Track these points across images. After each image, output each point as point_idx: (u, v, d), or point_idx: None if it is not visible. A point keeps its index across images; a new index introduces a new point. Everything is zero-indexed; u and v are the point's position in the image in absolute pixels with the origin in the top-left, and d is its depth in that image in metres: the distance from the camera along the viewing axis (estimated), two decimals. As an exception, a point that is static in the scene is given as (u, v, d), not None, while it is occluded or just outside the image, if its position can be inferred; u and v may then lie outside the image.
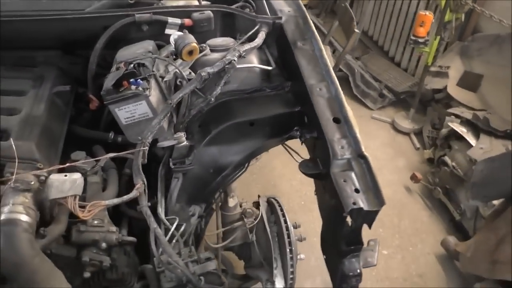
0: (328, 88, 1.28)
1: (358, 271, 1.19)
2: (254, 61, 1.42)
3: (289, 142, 1.50)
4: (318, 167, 1.21)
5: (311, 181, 1.36)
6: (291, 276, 1.46)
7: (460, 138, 2.83)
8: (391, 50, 4.27)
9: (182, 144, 1.34)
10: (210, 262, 1.22)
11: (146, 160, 1.21)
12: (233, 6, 1.57)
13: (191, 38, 1.33)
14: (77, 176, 1.13)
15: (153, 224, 1.14)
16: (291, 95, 1.43)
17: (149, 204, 1.17)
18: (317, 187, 1.34)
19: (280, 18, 1.51)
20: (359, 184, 1.08)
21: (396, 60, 4.20)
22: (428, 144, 3.43)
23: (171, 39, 1.39)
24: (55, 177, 1.11)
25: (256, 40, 1.42)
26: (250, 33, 1.45)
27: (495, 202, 2.31)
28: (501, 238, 2.06)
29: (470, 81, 3.23)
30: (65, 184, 1.10)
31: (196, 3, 1.61)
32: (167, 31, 1.43)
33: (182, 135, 1.33)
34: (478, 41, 3.31)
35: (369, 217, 1.07)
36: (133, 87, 1.25)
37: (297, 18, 1.54)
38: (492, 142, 2.65)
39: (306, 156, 1.38)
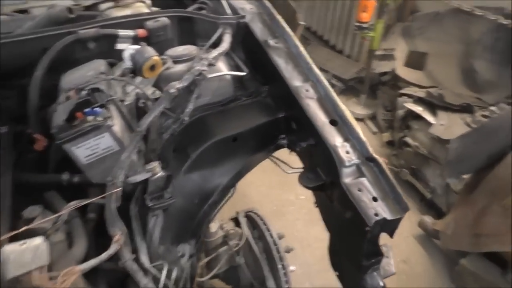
0: (315, 87, 1.15)
1: (382, 284, 1.08)
2: (223, 69, 1.25)
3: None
4: (321, 178, 1.08)
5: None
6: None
7: (417, 117, 2.85)
8: (331, 39, 4.27)
9: (157, 175, 1.15)
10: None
11: (119, 203, 1.01)
12: (189, 9, 1.39)
13: (150, 51, 1.14)
14: (39, 241, 0.90)
15: (143, 280, 0.95)
16: (270, 100, 1.28)
17: (133, 256, 0.97)
18: (319, 198, 1.20)
19: (244, 17, 1.35)
20: (375, 191, 0.96)
21: (338, 48, 4.21)
22: (384, 127, 3.44)
23: (125, 55, 1.18)
24: (9, 249, 0.87)
25: (223, 44, 1.25)
26: (214, 37, 1.28)
27: (465, 176, 2.33)
28: (480, 210, 2.07)
29: (416, 60, 3.27)
30: (25, 255, 0.87)
31: (145, 10, 1.40)
32: (119, 46, 1.22)
33: (156, 165, 1.13)
34: (418, 21, 3.37)
35: (391, 226, 0.96)
36: (89, 118, 1.05)
37: (262, 15, 1.39)
38: (450, 117, 2.68)
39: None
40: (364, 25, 3.13)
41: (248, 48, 1.36)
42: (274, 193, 2.82)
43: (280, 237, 1.70)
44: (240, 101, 1.26)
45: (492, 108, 2.65)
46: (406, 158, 2.96)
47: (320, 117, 1.08)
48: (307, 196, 2.61)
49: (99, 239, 1.09)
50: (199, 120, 1.19)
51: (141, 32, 1.24)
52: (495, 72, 2.99)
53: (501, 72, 2.95)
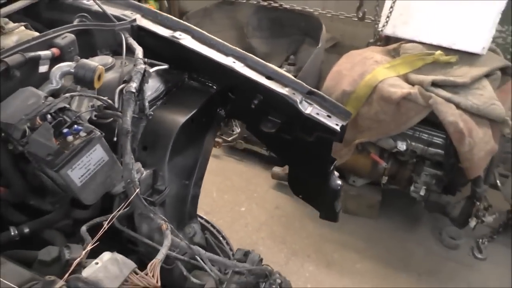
0: (238, 58, 1.38)
1: (340, 182, 1.44)
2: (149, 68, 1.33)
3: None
4: (277, 121, 1.33)
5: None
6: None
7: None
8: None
9: (144, 174, 1.17)
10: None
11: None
12: (75, 22, 1.36)
13: (91, 62, 1.13)
14: (108, 255, 0.86)
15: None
16: (194, 83, 1.43)
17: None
18: (276, 143, 1.43)
19: (135, 20, 1.43)
20: (326, 111, 1.30)
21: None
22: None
23: (55, 75, 1.12)
24: (91, 271, 0.81)
25: (135, 46, 1.33)
26: (124, 46, 1.32)
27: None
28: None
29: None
30: (110, 269, 0.83)
31: (30, 34, 1.28)
32: (41, 68, 1.14)
33: (139, 165, 1.16)
34: (192, 19, 3.80)
35: (342, 132, 1.31)
36: (69, 138, 1.00)
37: (146, 16, 1.49)
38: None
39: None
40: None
41: (150, 47, 1.44)
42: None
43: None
44: (173, 91, 1.37)
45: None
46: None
47: (259, 77, 1.33)
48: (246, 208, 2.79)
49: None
50: (155, 114, 1.25)
51: (55, 51, 1.18)
52: (268, 45, 3.73)
53: (272, 44, 3.72)
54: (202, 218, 1.75)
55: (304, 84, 1.33)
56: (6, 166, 1.05)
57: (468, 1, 2.33)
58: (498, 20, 2.32)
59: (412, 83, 2.33)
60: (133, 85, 1.14)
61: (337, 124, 1.26)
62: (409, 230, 2.89)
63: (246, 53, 1.40)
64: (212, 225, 1.71)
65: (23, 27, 1.28)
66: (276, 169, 3.14)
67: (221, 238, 1.67)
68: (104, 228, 0.93)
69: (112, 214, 0.96)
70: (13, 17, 1.38)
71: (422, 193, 2.52)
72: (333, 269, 2.61)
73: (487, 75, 2.35)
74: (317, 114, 1.28)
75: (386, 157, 2.63)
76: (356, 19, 2.83)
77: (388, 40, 2.75)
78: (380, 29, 2.59)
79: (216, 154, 3.47)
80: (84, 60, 1.13)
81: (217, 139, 3.40)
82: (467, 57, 2.39)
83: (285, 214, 2.97)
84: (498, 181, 2.79)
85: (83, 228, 0.99)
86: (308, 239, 2.78)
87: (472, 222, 2.44)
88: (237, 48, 1.41)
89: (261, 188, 3.18)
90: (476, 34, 2.34)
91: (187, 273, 1.13)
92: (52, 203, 1.17)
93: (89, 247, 0.87)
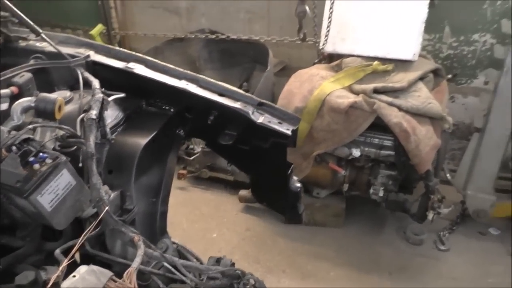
0: (190, 80, 1.48)
1: (299, 184, 1.54)
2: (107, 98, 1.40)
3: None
4: (234, 134, 1.43)
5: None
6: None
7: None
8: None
9: (112, 196, 1.22)
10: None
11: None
12: (31, 62, 1.42)
13: (51, 95, 1.20)
14: (85, 267, 0.90)
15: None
16: (152, 108, 1.51)
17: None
18: (235, 155, 1.53)
19: (89, 56, 1.51)
20: (276, 119, 1.41)
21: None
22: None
23: (16, 110, 1.18)
24: (69, 283, 0.85)
25: (94, 80, 1.40)
26: (81, 79, 1.40)
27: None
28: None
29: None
30: (88, 278, 0.87)
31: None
32: (1, 106, 1.19)
33: (106, 188, 1.21)
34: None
35: (294, 136, 1.42)
36: (36, 166, 1.05)
37: (99, 52, 1.58)
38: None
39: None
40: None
41: (105, 78, 1.51)
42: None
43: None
44: (132, 117, 1.44)
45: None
46: (199, 161, 3.47)
47: (212, 95, 1.43)
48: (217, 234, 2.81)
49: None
50: (117, 139, 1.32)
51: (14, 89, 1.24)
52: (221, 75, 3.88)
53: (224, 74, 3.88)
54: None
55: (254, 97, 1.45)
56: (-27, 202, 1.07)
57: (394, 14, 2.59)
58: (423, 29, 2.58)
59: (356, 93, 2.51)
60: (94, 112, 1.21)
61: (288, 129, 1.37)
62: (376, 233, 3.02)
63: (197, 75, 1.50)
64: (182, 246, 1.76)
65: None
66: (243, 192, 3.22)
67: (192, 253, 1.71)
68: (78, 245, 0.97)
69: (85, 232, 1.01)
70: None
71: (381, 194, 2.67)
72: (309, 280, 2.67)
73: (421, 78, 2.58)
74: (269, 122, 1.39)
75: (343, 165, 2.78)
76: (299, 41, 3.03)
77: (331, 57, 2.96)
78: (321, 48, 2.79)
79: (182, 186, 3.51)
80: (44, 94, 1.19)
81: (181, 171, 3.46)
82: (402, 64, 2.62)
83: (256, 234, 3.02)
84: (448, 175, 3.00)
85: (57, 251, 1.03)
86: (281, 255, 2.84)
87: (430, 215, 2.60)
88: (189, 72, 1.51)
89: (230, 213, 3.23)
90: (405, 43, 2.58)
91: (163, 286, 1.18)
92: (22, 237, 1.19)
93: (65, 263, 0.91)
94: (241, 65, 3.82)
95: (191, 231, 3.03)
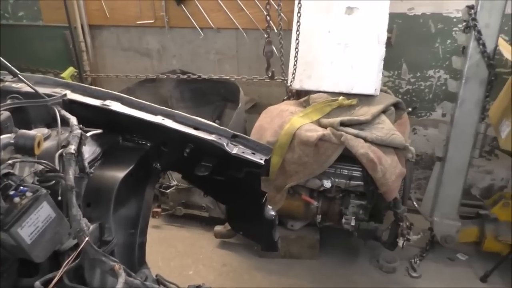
0: (166, 116, 1.55)
1: (274, 212, 1.60)
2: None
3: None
4: (209, 165, 1.49)
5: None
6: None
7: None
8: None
9: (91, 227, 1.24)
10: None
11: None
12: (8, 101, 1.46)
13: (30, 132, 1.23)
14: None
15: None
16: (128, 143, 1.56)
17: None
18: (211, 187, 1.58)
19: (65, 95, 1.56)
20: (249, 149, 1.49)
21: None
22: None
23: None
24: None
25: (71, 118, 1.44)
26: (58, 116, 1.43)
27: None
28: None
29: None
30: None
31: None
32: (-17, 145, 1.21)
33: (86, 220, 1.23)
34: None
35: (267, 166, 1.50)
36: (16, 199, 1.07)
37: (75, 91, 1.63)
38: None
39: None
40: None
41: (83, 117, 1.56)
42: None
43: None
44: (109, 152, 1.48)
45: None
46: (173, 199, 3.48)
47: (187, 129, 1.50)
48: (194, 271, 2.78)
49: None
50: (94, 174, 1.35)
51: (-8, 131, 1.27)
52: (193, 114, 3.91)
53: (196, 112, 3.95)
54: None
55: (228, 129, 1.52)
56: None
57: (355, 52, 2.78)
58: (383, 66, 2.77)
59: (324, 126, 2.64)
60: (72, 147, 1.25)
61: (261, 159, 1.45)
62: (351, 263, 3.07)
63: (173, 110, 1.57)
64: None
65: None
66: (218, 228, 3.23)
67: (172, 282, 1.71)
68: (59, 275, 0.99)
69: (65, 263, 1.03)
70: None
71: (352, 223, 2.75)
72: (287, 314, 2.66)
73: (384, 111, 2.74)
74: (243, 152, 1.46)
75: (316, 196, 2.86)
76: (267, 80, 3.18)
77: (299, 94, 3.11)
78: (289, 85, 2.93)
79: (157, 224, 3.49)
80: (23, 130, 1.22)
81: (155, 209, 3.44)
82: (365, 98, 2.78)
83: (232, 269, 3.01)
84: (415, 204, 3.13)
85: (37, 283, 1.03)
86: (259, 289, 2.84)
87: (400, 242, 2.69)
88: (164, 107, 1.58)
89: (206, 249, 3.21)
90: (367, 79, 2.76)
91: (144, 315, 1.18)
92: (-2, 273, 1.19)
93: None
94: (212, 103, 3.92)
95: (166, 269, 2.98)
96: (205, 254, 3.17)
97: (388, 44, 2.81)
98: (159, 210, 3.47)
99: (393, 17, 2.90)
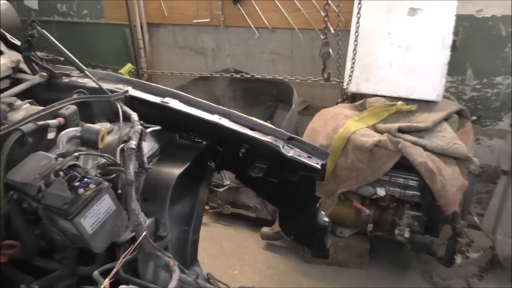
0: (223, 115, 1.54)
1: (327, 219, 1.55)
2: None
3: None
4: (263, 167, 1.47)
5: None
6: None
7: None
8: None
9: (147, 222, 1.26)
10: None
11: None
12: (74, 95, 1.51)
13: (95, 126, 1.28)
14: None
15: None
16: (184, 140, 1.57)
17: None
18: (266, 189, 1.55)
19: (127, 91, 1.60)
20: (306, 153, 1.45)
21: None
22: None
23: (62, 139, 1.25)
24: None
25: (133, 114, 1.47)
26: (120, 112, 1.47)
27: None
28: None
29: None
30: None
31: (36, 108, 1.42)
32: (49, 135, 1.27)
33: (143, 214, 1.25)
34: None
35: (323, 170, 1.45)
36: (80, 190, 1.10)
37: (136, 87, 1.67)
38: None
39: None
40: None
41: (143, 113, 1.59)
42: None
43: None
44: (166, 149, 1.50)
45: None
46: (221, 197, 3.50)
47: (243, 129, 1.48)
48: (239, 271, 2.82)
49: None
50: (152, 170, 1.37)
51: (61, 120, 1.32)
52: (244, 113, 3.95)
53: (248, 112, 3.95)
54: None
55: (284, 131, 1.49)
56: (19, 224, 1.12)
57: (417, 55, 2.65)
58: (446, 71, 2.62)
59: (381, 132, 2.54)
60: (133, 142, 1.28)
61: (317, 163, 1.40)
62: (401, 276, 2.94)
63: (229, 110, 1.57)
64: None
65: (28, 104, 1.42)
66: (265, 230, 3.20)
67: (222, 282, 1.71)
68: (118, 266, 1.00)
69: (123, 255, 1.04)
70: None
71: (406, 235, 2.62)
72: (332, 323, 2.59)
73: (446, 119, 2.59)
74: (299, 156, 1.42)
75: (368, 204, 2.75)
76: (322, 81, 3.11)
77: (354, 97, 3.02)
78: (345, 88, 2.85)
79: (204, 221, 3.49)
80: (89, 124, 1.27)
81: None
82: (425, 104, 2.65)
83: (278, 272, 2.98)
84: (476, 219, 2.94)
85: (96, 273, 1.06)
86: (303, 295, 2.79)
87: (458, 259, 2.53)
88: (221, 106, 1.58)
89: (252, 250, 3.20)
90: (429, 84, 2.62)
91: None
92: (59, 260, 1.23)
93: (105, 283, 0.94)
94: (264, 104, 3.91)
95: (212, 267, 2.99)
96: (250, 254, 3.16)
97: (453, 47, 2.66)
98: (207, 207, 3.49)
99: (459, 19, 2.73)
